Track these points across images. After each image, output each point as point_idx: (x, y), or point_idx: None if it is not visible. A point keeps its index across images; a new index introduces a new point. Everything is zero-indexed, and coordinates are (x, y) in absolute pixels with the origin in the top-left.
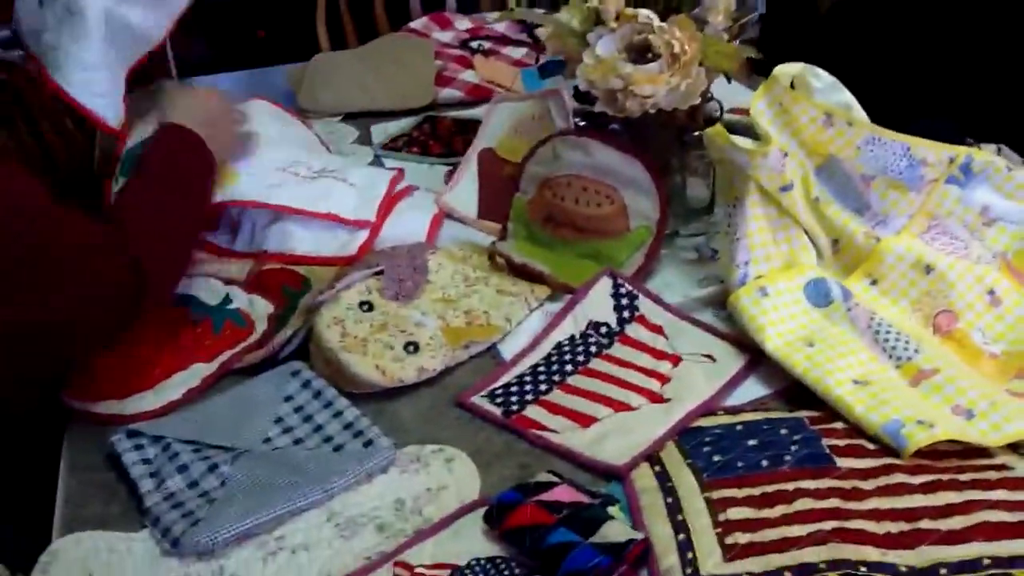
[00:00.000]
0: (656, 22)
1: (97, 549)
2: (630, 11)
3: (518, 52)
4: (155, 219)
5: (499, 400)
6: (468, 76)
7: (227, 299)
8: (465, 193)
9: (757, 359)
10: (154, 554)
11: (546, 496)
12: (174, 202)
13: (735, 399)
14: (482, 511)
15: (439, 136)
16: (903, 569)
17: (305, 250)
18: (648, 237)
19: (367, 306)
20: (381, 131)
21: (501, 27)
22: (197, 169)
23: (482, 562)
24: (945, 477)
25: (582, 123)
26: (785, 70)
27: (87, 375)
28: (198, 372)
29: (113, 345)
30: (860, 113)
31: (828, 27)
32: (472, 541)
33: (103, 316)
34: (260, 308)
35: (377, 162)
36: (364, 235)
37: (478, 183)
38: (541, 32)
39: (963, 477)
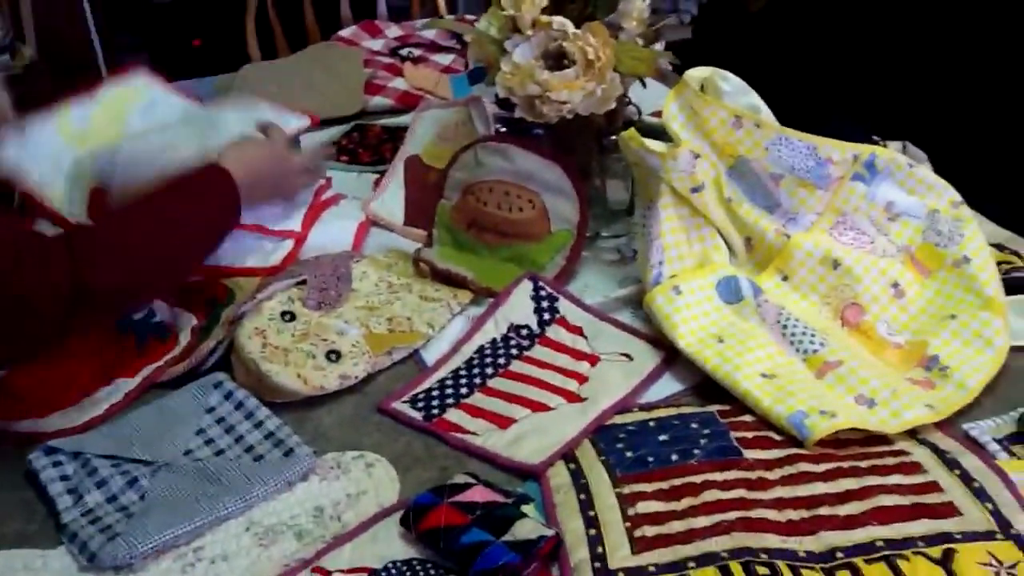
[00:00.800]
0: (571, 29)
1: (13, 568)
2: (545, 18)
3: (447, 59)
4: (128, 238)
5: (420, 405)
6: (398, 84)
7: (151, 313)
8: (391, 200)
9: (672, 356)
10: (71, 570)
11: (461, 497)
12: (163, 233)
13: (651, 396)
14: (399, 514)
15: (368, 144)
16: (802, 554)
17: (229, 261)
18: (569, 240)
19: (289, 316)
20: (310, 140)
21: (431, 34)
22: (209, 219)
23: (398, 564)
24: (846, 464)
25: (503, 129)
26: (695, 73)
27: (5, 393)
28: (121, 387)
29: (35, 356)
30: (768, 115)
31: (756, 29)
32: (389, 544)
33: (22, 322)
34: (184, 321)
35: None
36: (289, 245)
37: (404, 190)
38: (469, 39)
39: (863, 464)
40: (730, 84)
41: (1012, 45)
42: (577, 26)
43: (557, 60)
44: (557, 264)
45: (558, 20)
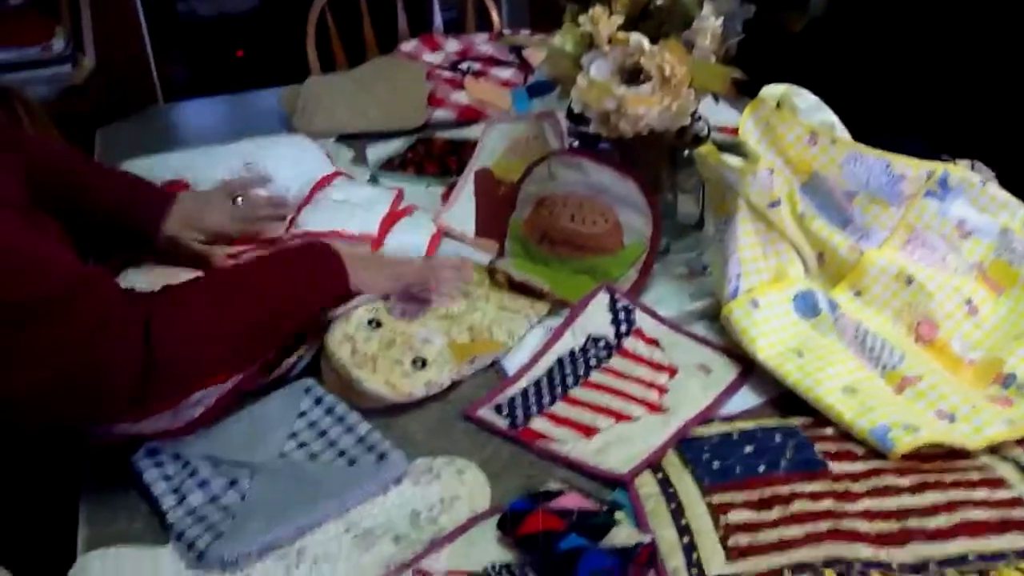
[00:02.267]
0: (647, 46)
1: (123, 564)
2: (622, 35)
3: (506, 73)
4: (211, 311)
5: (505, 413)
6: (459, 97)
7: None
8: (462, 212)
9: (750, 369)
10: (179, 567)
11: (555, 504)
12: (249, 306)
13: (730, 408)
14: (495, 519)
15: (433, 156)
16: (895, 566)
17: None
18: (642, 253)
19: (375, 323)
20: (376, 152)
21: (489, 49)
22: (302, 290)
23: (498, 567)
24: (931, 478)
25: (576, 143)
26: (771, 91)
27: None
28: (212, 393)
29: (112, 420)
30: (842, 132)
31: (800, 46)
32: (486, 548)
33: (97, 387)
34: None
35: (374, 181)
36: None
37: (475, 202)
38: (528, 53)
39: (947, 478)
40: (804, 101)
41: None
42: (652, 43)
43: (633, 76)
44: (630, 277)
45: (634, 37)
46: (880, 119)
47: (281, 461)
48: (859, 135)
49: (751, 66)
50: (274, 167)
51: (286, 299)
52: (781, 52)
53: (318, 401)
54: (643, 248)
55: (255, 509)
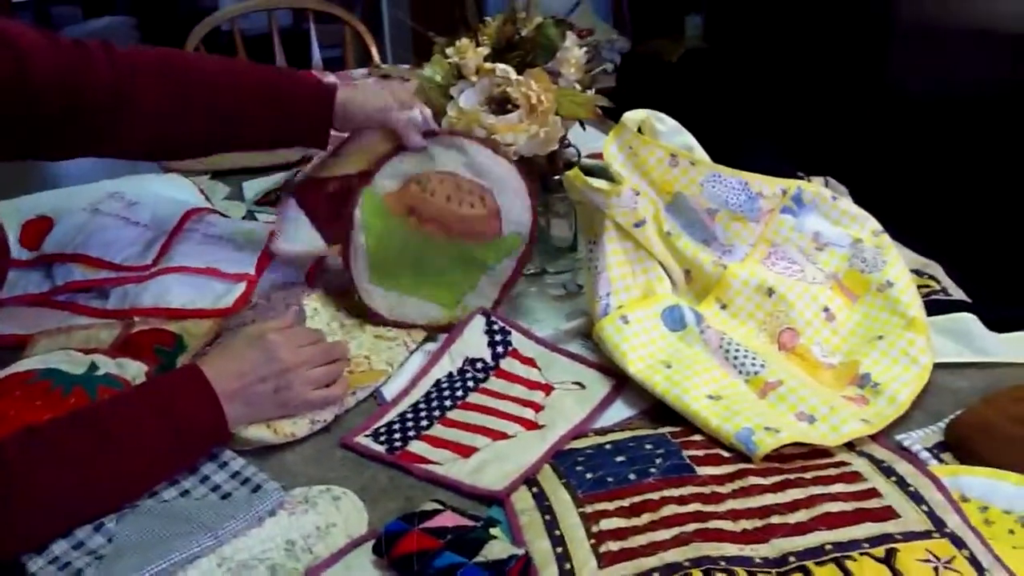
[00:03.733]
0: (513, 75)
1: None
2: (489, 66)
3: None
4: (55, 485)
5: (383, 438)
6: None
7: (93, 367)
8: (300, 231)
9: (623, 383)
10: None
11: (431, 523)
12: (101, 465)
13: (604, 421)
14: (370, 544)
15: None
16: (758, 560)
17: (180, 303)
18: (520, 245)
19: None
20: (252, 187)
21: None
22: (170, 445)
23: None
24: (792, 476)
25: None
26: (632, 116)
27: None
28: None
29: None
30: (701, 153)
31: (677, 74)
32: (363, 573)
33: None
34: (132, 370)
35: (250, 217)
36: (241, 287)
37: (306, 214)
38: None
39: (807, 475)
40: (665, 125)
41: (916, 84)
42: (519, 73)
43: (501, 105)
44: (506, 268)
45: (501, 67)
46: (751, 139)
47: (150, 500)
48: (734, 155)
49: (631, 93)
50: (142, 198)
51: (147, 453)
52: (659, 81)
53: None
54: (522, 240)
55: (124, 549)
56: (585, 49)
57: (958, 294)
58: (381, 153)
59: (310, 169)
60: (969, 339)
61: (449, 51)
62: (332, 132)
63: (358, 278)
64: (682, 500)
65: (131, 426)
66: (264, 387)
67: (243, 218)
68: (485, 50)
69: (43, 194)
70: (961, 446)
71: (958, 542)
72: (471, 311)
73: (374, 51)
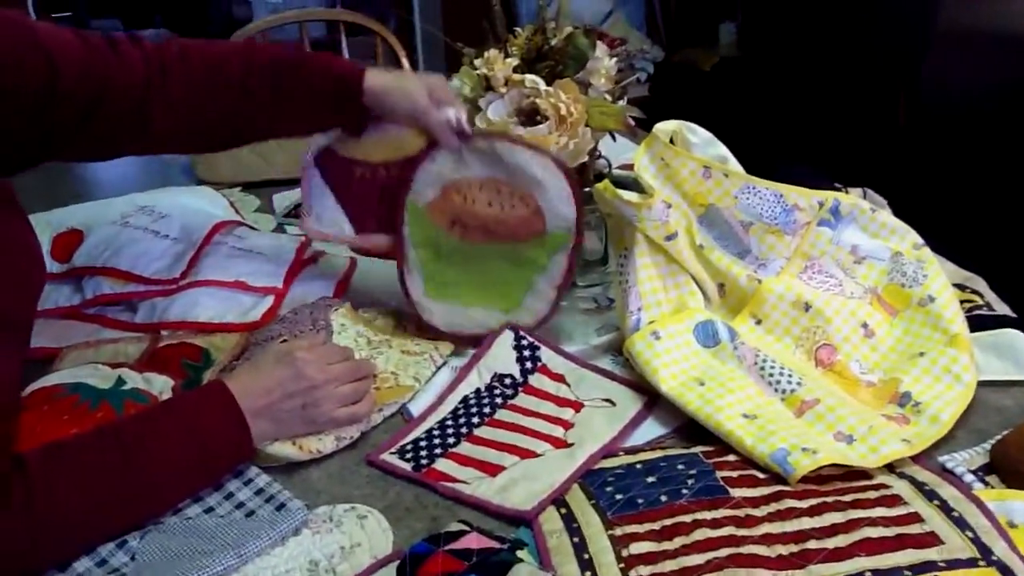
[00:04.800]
0: (543, 86)
1: None
2: (518, 77)
3: None
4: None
5: (409, 456)
6: None
7: (120, 381)
8: (326, 211)
9: (654, 400)
10: None
11: (457, 545)
12: (128, 481)
13: (635, 440)
14: (395, 564)
15: None
16: None
17: (208, 317)
18: (568, 240)
19: None
20: (283, 200)
21: None
22: (196, 462)
23: None
24: (830, 499)
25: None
26: (664, 127)
27: None
28: None
29: None
30: (735, 164)
31: (710, 84)
32: None
33: None
34: (158, 384)
35: (280, 230)
36: (269, 301)
37: (333, 194)
38: None
39: (846, 498)
40: (698, 136)
41: (954, 97)
42: (548, 84)
43: (530, 116)
44: (559, 264)
45: (530, 78)
46: (780, 151)
47: (174, 517)
48: (770, 167)
49: (663, 104)
50: (172, 211)
51: (173, 470)
52: (693, 90)
53: None
54: (569, 235)
55: (147, 568)
56: (616, 59)
57: (1002, 309)
58: (410, 150)
59: (332, 141)
60: (1015, 355)
61: (478, 62)
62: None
63: (414, 292)
64: (715, 523)
65: (156, 442)
66: (291, 404)
67: (273, 231)
68: (514, 61)
69: (74, 207)
70: (1007, 468)
71: (1005, 571)
72: (529, 315)
73: (405, 63)
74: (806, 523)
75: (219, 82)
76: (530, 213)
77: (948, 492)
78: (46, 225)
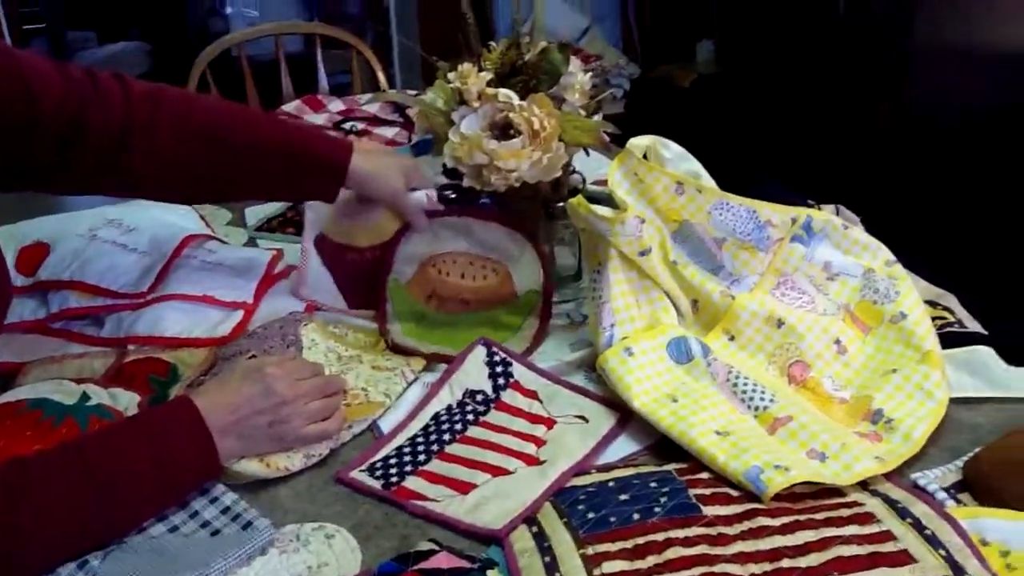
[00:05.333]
0: (516, 100)
1: None
2: (491, 91)
3: (390, 132)
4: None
5: (379, 473)
6: None
7: (85, 397)
8: (322, 286)
9: (627, 417)
10: None
11: (426, 564)
12: (94, 502)
13: (608, 457)
14: None
15: None
16: None
17: (176, 332)
18: (538, 301)
19: None
20: (254, 213)
21: (373, 108)
22: (164, 482)
23: None
24: (803, 517)
25: (452, 195)
26: (637, 142)
27: None
28: None
29: None
30: (708, 180)
31: (687, 101)
32: None
33: None
34: (124, 400)
35: (252, 244)
36: (238, 316)
37: (330, 274)
38: (412, 112)
39: (819, 516)
40: (671, 151)
41: (924, 107)
42: (522, 98)
43: (503, 131)
44: (531, 325)
45: (503, 92)
46: (761, 167)
47: (137, 536)
48: (743, 183)
49: (640, 120)
50: (140, 224)
51: (141, 500)
52: (670, 107)
53: None
54: (537, 296)
55: None
56: (591, 74)
57: (974, 326)
58: (389, 231)
59: (326, 227)
60: (987, 373)
61: (451, 76)
62: None
63: (402, 343)
64: (688, 542)
65: (120, 459)
66: (259, 421)
67: (244, 244)
68: (488, 75)
69: (40, 219)
70: (980, 486)
71: None
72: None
73: (381, 76)
74: (779, 541)
75: (209, 145)
76: (499, 281)
77: (921, 510)
78: (10, 238)
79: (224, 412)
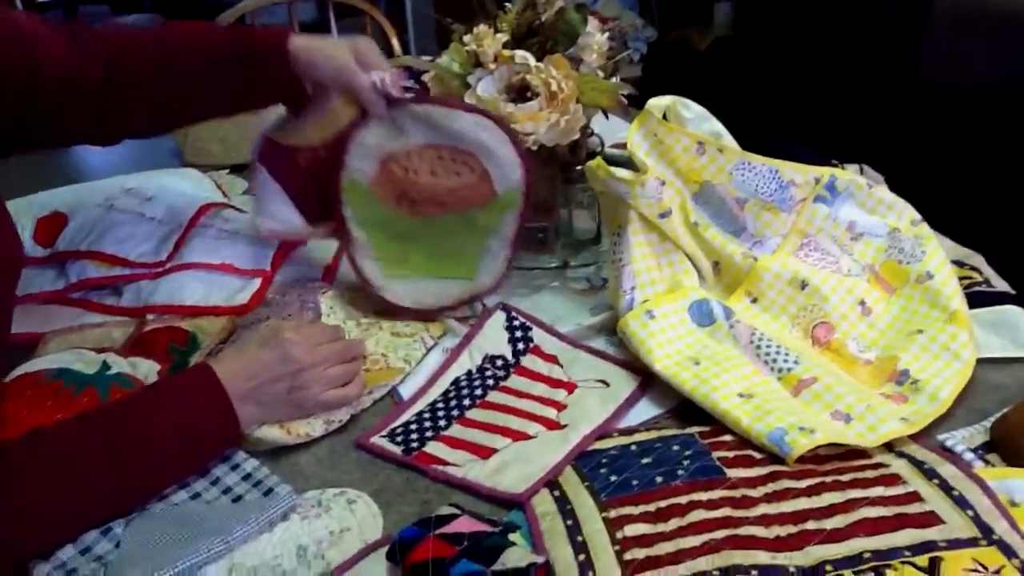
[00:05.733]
0: (533, 62)
1: None
2: (507, 53)
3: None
4: (60, 492)
5: (399, 439)
6: None
7: (105, 366)
8: (276, 206)
9: (649, 381)
10: None
11: (447, 528)
12: (111, 476)
13: (629, 420)
14: (385, 549)
15: None
16: (792, 570)
17: (195, 301)
18: (519, 199)
19: None
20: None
21: None
22: (182, 455)
23: None
24: (828, 479)
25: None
26: (657, 103)
27: None
28: None
29: None
30: (730, 140)
31: (705, 64)
32: None
33: None
34: (144, 368)
35: None
36: (256, 284)
37: (282, 188)
38: (427, 77)
39: (844, 478)
40: (691, 111)
41: (948, 71)
42: (539, 60)
43: (520, 93)
44: (508, 223)
45: (520, 54)
46: (776, 127)
47: (159, 503)
48: (754, 143)
49: (658, 82)
50: (157, 193)
51: (161, 468)
52: (687, 70)
53: None
54: (519, 194)
55: (132, 555)
56: (608, 35)
57: (1001, 285)
58: (343, 123)
59: (270, 131)
60: (1014, 332)
61: (467, 38)
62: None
63: (371, 276)
64: (711, 504)
65: (139, 428)
66: (278, 387)
67: None
68: (504, 37)
69: (58, 190)
70: (1008, 446)
71: (1007, 550)
72: (488, 277)
73: (395, 43)
74: (804, 504)
75: (156, 78)
76: (477, 178)
77: (948, 471)
78: (28, 208)
79: (242, 379)
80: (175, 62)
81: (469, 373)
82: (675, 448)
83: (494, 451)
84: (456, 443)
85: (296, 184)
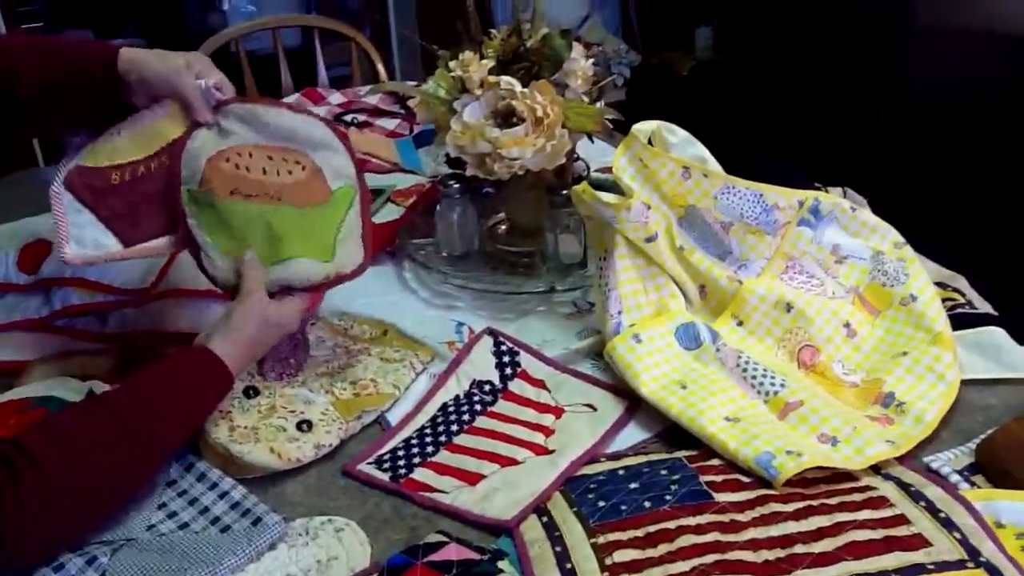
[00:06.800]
0: (518, 88)
1: None
2: (493, 78)
3: (392, 123)
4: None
5: (386, 466)
6: None
7: (90, 394)
8: (88, 232)
9: (636, 405)
10: None
11: (436, 556)
12: (129, 457)
13: (617, 445)
14: None
15: None
16: None
17: (180, 327)
18: (354, 195)
19: (252, 391)
20: None
21: (374, 99)
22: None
23: None
24: (816, 502)
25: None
26: (642, 127)
27: None
28: None
29: None
30: (714, 165)
31: (687, 87)
32: None
33: None
34: None
35: None
36: None
37: (91, 211)
38: (413, 103)
39: (832, 501)
40: (676, 136)
41: (928, 89)
42: (524, 85)
43: (506, 118)
44: (353, 223)
45: (506, 80)
46: (759, 151)
47: (148, 534)
48: (748, 167)
49: (641, 108)
50: None
51: (155, 423)
52: (670, 94)
53: (189, 468)
54: (354, 189)
55: None
56: (592, 60)
57: (984, 307)
58: (171, 137)
59: (79, 157)
60: (998, 354)
61: (453, 64)
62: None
63: (226, 277)
64: (699, 529)
65: (150, 407)
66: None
67: None
68: (490, 63)
69: (42, 217)
70: (994, 468)
71: (994, 572)
72: (347, 264)
73: (380, 68)
74: (792, 527)
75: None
76: (307, 176)
77: (934, 493)
78: (12, 236)
79: (245, 360)
80: (9, 76)
81: (457, 398)
82: (663, 472)
83: (482, 477)
84: (444, 469)
85: (107, 205)
